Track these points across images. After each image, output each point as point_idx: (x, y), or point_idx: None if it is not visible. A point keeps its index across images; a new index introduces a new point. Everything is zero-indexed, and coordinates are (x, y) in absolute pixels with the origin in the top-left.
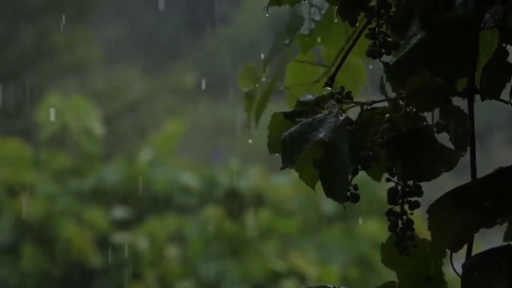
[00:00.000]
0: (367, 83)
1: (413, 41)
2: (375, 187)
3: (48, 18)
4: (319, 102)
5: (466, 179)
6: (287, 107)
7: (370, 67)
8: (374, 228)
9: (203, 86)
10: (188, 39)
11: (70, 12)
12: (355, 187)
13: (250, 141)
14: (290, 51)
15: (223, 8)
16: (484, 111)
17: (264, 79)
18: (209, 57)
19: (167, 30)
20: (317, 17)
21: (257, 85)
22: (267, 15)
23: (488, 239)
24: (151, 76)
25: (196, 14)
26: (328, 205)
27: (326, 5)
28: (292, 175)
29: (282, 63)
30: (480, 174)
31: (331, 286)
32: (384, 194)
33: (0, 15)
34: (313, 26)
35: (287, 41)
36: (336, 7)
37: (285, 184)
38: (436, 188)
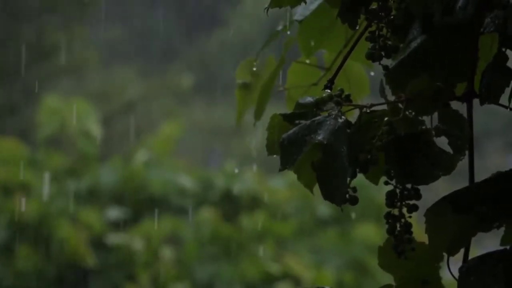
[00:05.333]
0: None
1: (413, 45)
2: (370, 191)
3: (46, 18)
4: (319, 104)
5: (461, 182)
6: (286, 109)
7: (372, 73)
8: (370, 232)
9: (199, 88)
10: (185, 41)
11: (68, 13)
12: (354, 189)
13: (251, 143)
14: (290, 43)
15: (220, 11)
16: (481, 116)
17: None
18: (206, 59)
19: (164, 32)
20: (313, 6)
21: (253, 80)
22: (267, 16)
23: (483, 244)
24: (148, 77)
25: (193, 16)
26: (324, 209)
27: None
28: (288, 178)
29: (283, 55)
30: (476, 179)
31: None
32: (379, 198)
33: None
34: (307, 13)
35: (281, 27)
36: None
37: (281, 187)
38: (429, 190)
